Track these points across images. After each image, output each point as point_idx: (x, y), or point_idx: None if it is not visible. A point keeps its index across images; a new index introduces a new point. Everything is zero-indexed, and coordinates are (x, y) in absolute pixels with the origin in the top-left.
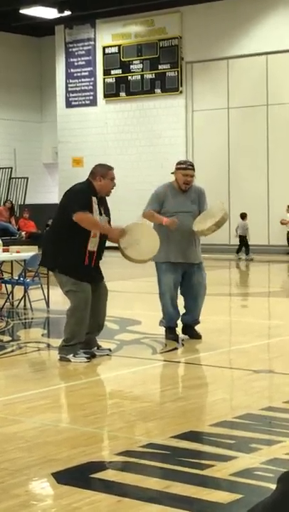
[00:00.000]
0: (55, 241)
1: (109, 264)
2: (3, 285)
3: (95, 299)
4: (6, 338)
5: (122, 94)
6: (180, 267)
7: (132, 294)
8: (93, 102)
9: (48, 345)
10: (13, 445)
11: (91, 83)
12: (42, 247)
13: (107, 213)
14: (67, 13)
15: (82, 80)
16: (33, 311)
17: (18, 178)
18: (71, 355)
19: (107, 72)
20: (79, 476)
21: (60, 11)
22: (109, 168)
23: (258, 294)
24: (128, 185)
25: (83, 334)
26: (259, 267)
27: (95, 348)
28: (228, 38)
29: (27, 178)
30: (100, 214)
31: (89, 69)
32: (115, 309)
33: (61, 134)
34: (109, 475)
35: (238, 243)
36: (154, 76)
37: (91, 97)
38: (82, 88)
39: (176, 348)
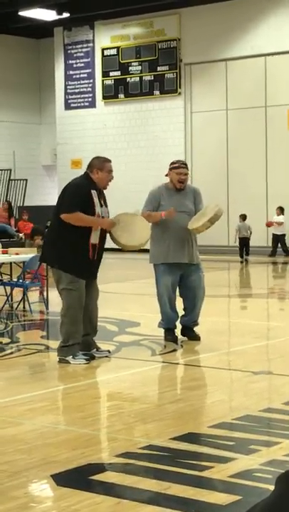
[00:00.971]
0: (58, 238)
1: (108, 266)
2: (1, 287)
3: (87, 298)
4: (6, 340)
5: (121, 95)
6: (178, 268)
7: (131, 295)
8: (92, 104)
9: (47, 347)
10: (13, 447)
11: (90, 85)
12: (43, 244)
13: (106, 205)
14: (66, 15)
15: (81, 81)
16: (32, 312)
17: (17, 179)
18: (70, 356)
19: (105, 74)
20: (78, 478)
21: (59, 12)
22: (106, 161)
23: (256, 296)
24: (127, 186)
25: (79, 334)
26: (258, 268)
27: (94, 349)
28: (227, 40)
29: (26, 180)
30: (101, 206)
31: (88, 71)
32: (114, 311)
33: (60, 136)
34: (109, 477)
35: (238, 246)
36: (152, 78)
37: (90, 99)
38: (81, 90)
39: (175, 350)
